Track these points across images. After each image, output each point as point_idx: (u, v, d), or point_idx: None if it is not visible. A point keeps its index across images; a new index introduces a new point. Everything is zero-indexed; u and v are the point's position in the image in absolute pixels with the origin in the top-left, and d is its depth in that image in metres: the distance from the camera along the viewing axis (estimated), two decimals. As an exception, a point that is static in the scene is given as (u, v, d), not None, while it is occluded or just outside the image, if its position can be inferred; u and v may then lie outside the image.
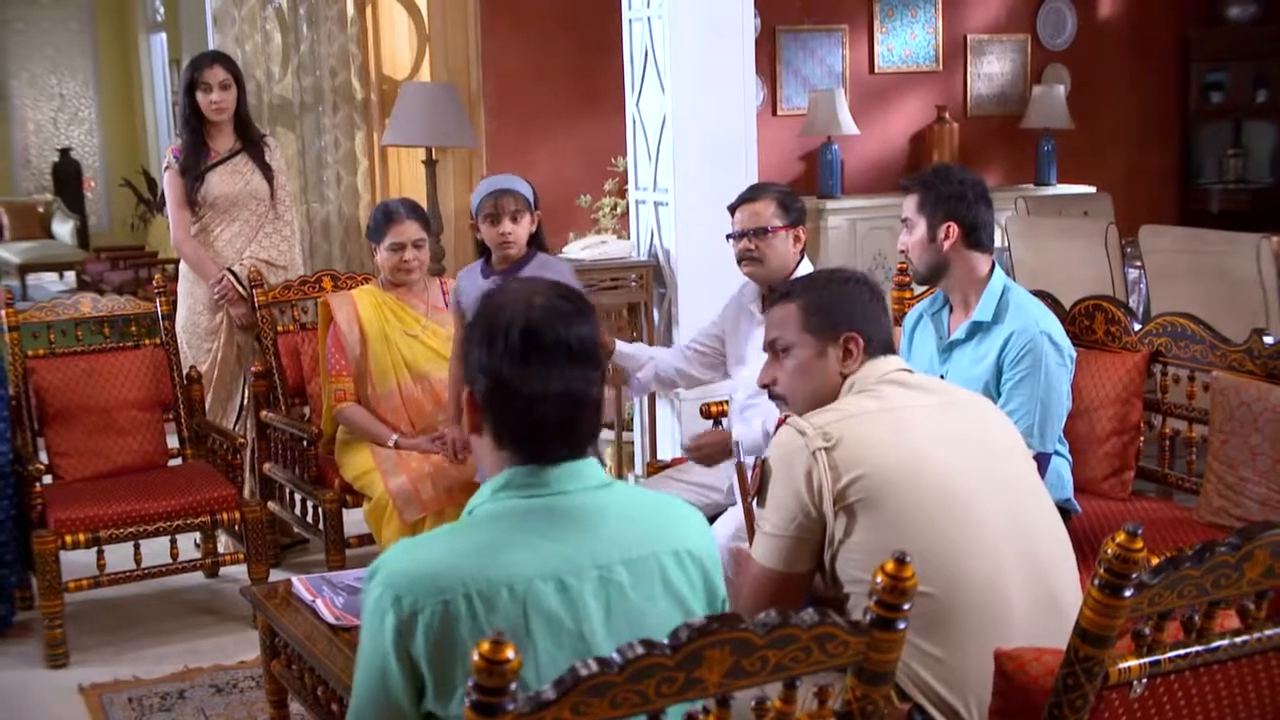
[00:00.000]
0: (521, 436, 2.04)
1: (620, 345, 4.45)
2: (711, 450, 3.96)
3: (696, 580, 2.08)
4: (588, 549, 1.98)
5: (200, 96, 5.27)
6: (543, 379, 2.02)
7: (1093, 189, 8.91)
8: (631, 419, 5.71)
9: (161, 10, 13.52)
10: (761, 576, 2.57)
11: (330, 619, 3.40)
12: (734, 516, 3.77)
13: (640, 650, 1.64)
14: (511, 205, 4.18)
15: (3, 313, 4.73)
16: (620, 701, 1.64)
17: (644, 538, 2.04)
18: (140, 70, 14.62)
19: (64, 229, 13.96)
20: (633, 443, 5.71)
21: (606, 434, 6.00)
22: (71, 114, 15.26)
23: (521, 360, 2.02)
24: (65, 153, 14.67)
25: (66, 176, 14.54)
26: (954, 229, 3.56)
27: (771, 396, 2.87)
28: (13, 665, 4.51)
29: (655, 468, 4.62)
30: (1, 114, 14.92)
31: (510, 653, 1.53)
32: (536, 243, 4.29)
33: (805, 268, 4.13)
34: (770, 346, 2.83)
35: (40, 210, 14.27)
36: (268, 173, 5.38)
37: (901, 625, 1.82)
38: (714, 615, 1.72)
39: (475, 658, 1.53)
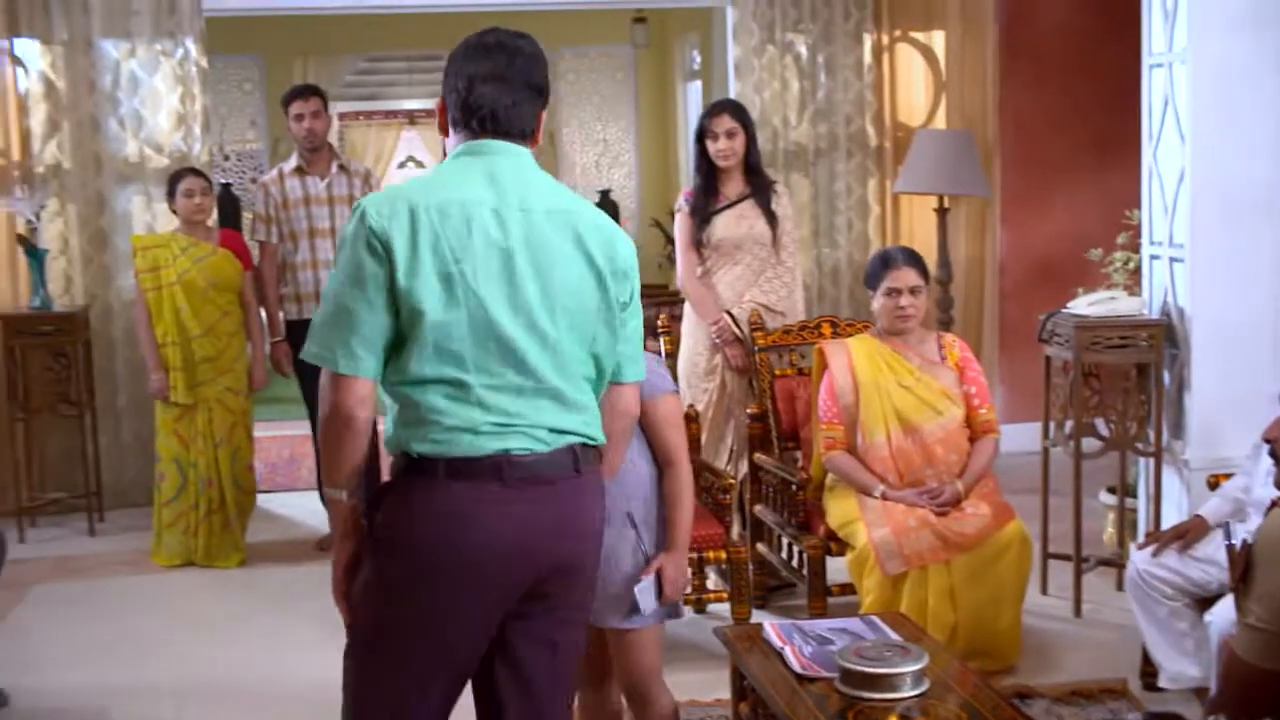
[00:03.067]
0: (470, 110, 2.68)
1: (1209, 519, 4.17)
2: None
3: (606, 252, 2.70)
4: (517, 195, 2.64)
5: (709, 144, 5.50)
6: (488, 64, 2.69)
7: None
8: (1136, 485, 5.42)
9: (699, 59, 14.13)
10: (1241, 671, 2.38)
11: (797, 667, 3.41)
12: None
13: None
14: None
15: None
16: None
17: (566, 202, 2.72)
18: (676, 117, 15.32)
19: (600, 267, 14.78)
20: (1136, 510, 5.41)
21: (1107, 498, 5.72)
22: (613, 158, 16.20)
23: (473, 57, 2.70)
24: (605, 194, 15.56)
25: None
26: None
27: (1272, 454, 2.65)
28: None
29: (1157, 536, 4.34)
30: (552, 157, 16.02)
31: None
32: None
33: None
34: None
35: (579, 249, 15.18)
36: (772, 219, 5.49)
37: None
38: (1153, 711, 1.60)
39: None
